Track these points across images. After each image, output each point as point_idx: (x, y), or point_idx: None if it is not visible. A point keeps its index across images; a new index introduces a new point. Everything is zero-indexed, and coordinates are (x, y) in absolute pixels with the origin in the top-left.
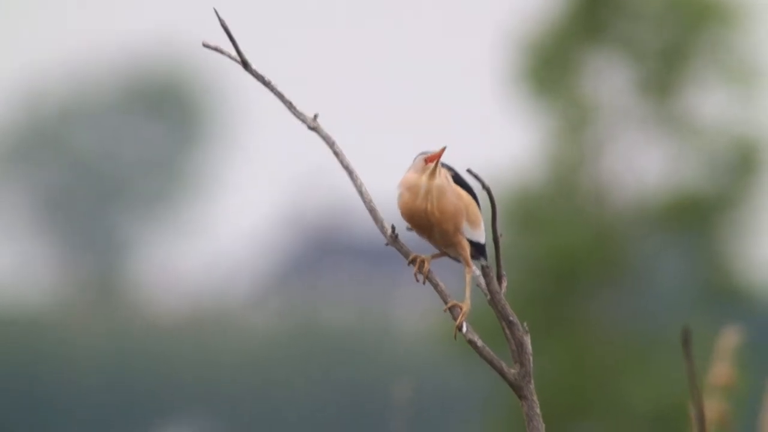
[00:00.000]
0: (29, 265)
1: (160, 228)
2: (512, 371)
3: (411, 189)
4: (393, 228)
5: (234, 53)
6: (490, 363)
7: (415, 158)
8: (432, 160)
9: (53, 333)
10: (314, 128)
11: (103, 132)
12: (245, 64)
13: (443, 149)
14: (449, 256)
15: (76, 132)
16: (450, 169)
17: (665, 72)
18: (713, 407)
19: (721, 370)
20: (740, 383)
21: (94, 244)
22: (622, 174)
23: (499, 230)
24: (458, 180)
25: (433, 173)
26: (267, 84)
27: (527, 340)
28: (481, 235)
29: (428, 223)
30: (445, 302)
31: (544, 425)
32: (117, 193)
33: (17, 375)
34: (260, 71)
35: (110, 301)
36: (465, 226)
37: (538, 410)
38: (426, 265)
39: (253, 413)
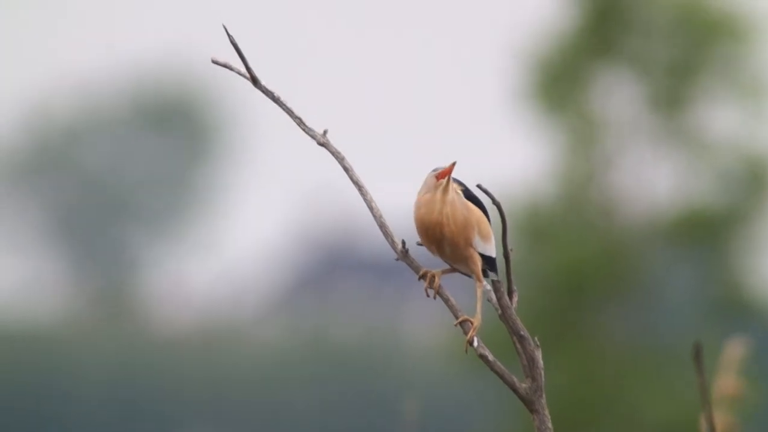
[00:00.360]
0: (39, 281)
1: (169, 243)
2: (523, 385)
3: (426, 205)
4: (403, 243)
5: (243, 70)
6: (502, 377)
7: (428, 175)
8: (443, 176)
9: (63, 348)
10: (324, 144)
11: (112, 148)
12: (254, 81)
13: (453, 164)
14: (459, 271)
15: (86, 149)
16: (460, 184)
17: (675, 87)
18: (720, 419)
19: (727, 381)
20: (750, 395)
21: (103, 260)
22: (632, 189)
23: (510, 245)
24: (468, 195)
25: (446, 189)
26: (276, 100)
27: (538, 354)
28: (492, 250)
29: (442, 237)
30: (456, 317)
31: None
32: (126, 209)
33: (27, 390)
34: (269, 87)
35: (120, 317)
36: (477, 240)
37: (549, 424)
38: (436, 279)
39: (262, 428)
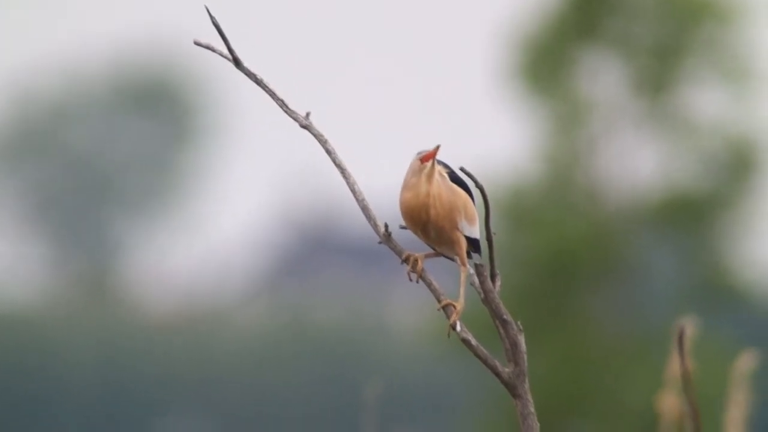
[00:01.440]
0: (21, 264)
1: (152, 226)
2: (506, 370)
3: (411, 189)
4: (386, 226)
5: (226, 51)
6: (484, 362)
7: (413, 159)
8: (427, 159)
9: (45, 331)
10: (306, 126)
11: (94, 130)
12: (237, 62)
13: (437, 148)
14: (443, 255)
15: (68, 130)
16: (446, 166)
17: (660, 70)
18: (673, 401)
19: (679, 362)
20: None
21: (86, 242)
22: (617, 171)
23: (493, 229)
24: (454, 178)
25: (431, 173)
26: (259, 82)
27: (521, 338)
28: (477, 232)
29: (427, 221)
30: (439, 301)
31: (538, 424)
32: (109, 191)
33: (9, 374)
34: (252, 69)
35: (102, 299)
36: (463, 224)
37: (532, 409)
38: (419, 263)
39: (246, 411)
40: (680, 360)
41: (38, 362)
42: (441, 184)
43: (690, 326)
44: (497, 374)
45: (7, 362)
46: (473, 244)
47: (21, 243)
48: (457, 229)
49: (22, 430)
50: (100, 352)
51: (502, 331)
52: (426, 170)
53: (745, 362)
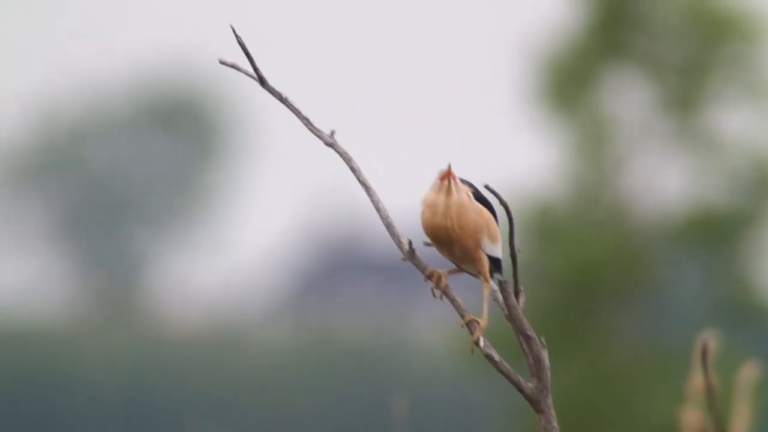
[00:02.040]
0: (46, 281)
1: (175, 243)
2: (530, 385)
3: (431, 207)
4: (410, 243)
5: (251, 70)
6: (508, 377)
7: (436, 177)
8: (444, 177)
9: (69, 348)
10: (331, 144)
11: (119, 148)
12: (262, 81)
13: (450, 167)
14: (467, 271)
15: (92, 149)
16: (470, 185)
17: (686, 88)
18: (695, 417)
19: (699, 378)
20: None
21: (110, 260)
22: (643, 190)
23: (518, 246)
24: (478, 197)
25: (449, 190)
26: (284, 100)
27: (545, 354)
28: (499, 251)
29: (449, 239)
30: (462, 317)
31: None
32: (133, 209)
33: (34, 389)
34: (277, 87)
35: (126, 317)
36: (486, 242)
37: (555, 424)
38: (443, 280)
39: (268, 428)
40: (704, 375)
41: (61, 378)
42: (465, 203)
43: (712, 340)
44: (520, 390)
45: (31, 378)
46: (494, 263)
47: (45, 260)
48: (480, 247)
49: None
50: (122, 369)
51: (525, 346)
52: (444, 188)
53: (749, 372)
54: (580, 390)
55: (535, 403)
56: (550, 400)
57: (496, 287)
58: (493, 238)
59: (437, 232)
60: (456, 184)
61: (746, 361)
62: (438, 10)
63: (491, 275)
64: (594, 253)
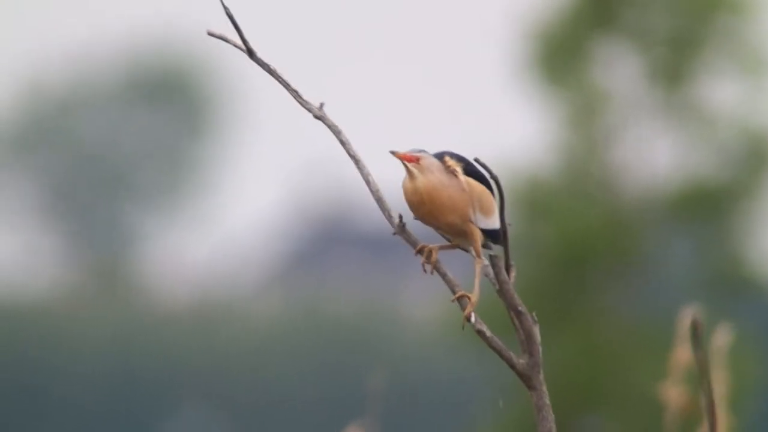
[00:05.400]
0: (35, 256)
1: (165, 218)
2: (521, 361)
3: (404, 191)
4: (400, 217)
5: (239, 41)
6: (499, 353)
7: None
8: (404, 159)
9: (59, 323)
10: (320, 117)
11: (107, 122)
12: (250, 53)
13: (396, 153)
14: (459, 246)
15: (80, 122)
16: (461, 160)
17: (676, 61)
18: (678, 392)
19: (683, 353)
20: (753, 371)
21: (99, 235)
22: (633, 163)
23: (508, 220)
24: (470, 170)
25: (410, 174)
26: (272, 72)
27: (536, 330)
28: (495, 222)
29: (428, 220)
30: (454, 292)
31: (553, 415)
32: (122, 183)
33: (23, 364)
34: (266, 59)
35: (116, 291)
36: (477, 216)
37: (547, 400)
38: (434, 254)
39: (258, 403)
40: (696, 350)
41: (50, 353)
42: (434, 182)
43: (698, 315)
44: (512, 366)
45: (20, 353)
46: (491, 235)
47: (33, 235)
48: (470, 221)
49: (34, 420)
50: (112, 344)
51: (516, 322)
52: (408, 171)
53: (723, 338)
54: (571, 365)
55: (526, 379)
56: (541, 376)
57: (487, 262)
58: (486, 211)
59: (415, 213)
60: (419, 166)
61: (745, 339)
62: None
63: (488, 248)
64: (585, 227)
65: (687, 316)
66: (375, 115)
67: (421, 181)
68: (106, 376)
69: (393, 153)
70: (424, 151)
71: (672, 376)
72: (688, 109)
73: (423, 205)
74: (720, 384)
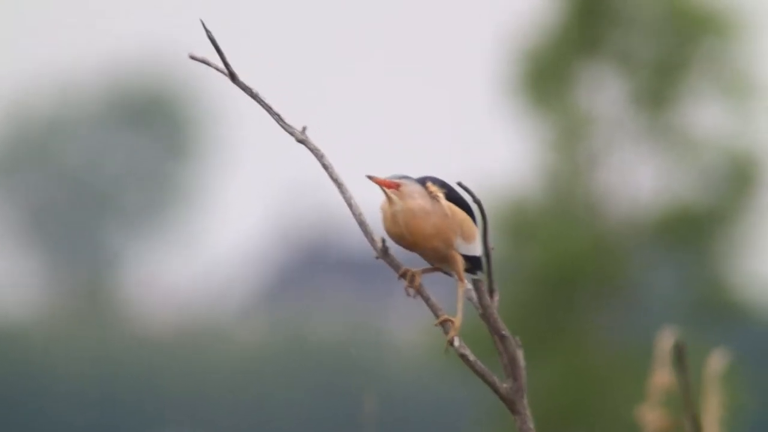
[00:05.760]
0: (15, 277)
1: (148, 240)
2: (505, 386)
3: (383, 216)
4: (383, 241)
5: (221, 65)
6: (483, 377)
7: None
8: (382, 184)
9: (40, 345)
10: (303, 141)
11: (90, 144)
12: (233, 76)
13: (374, 178)
14: (441, 270)
15: (63, 144)
16: (443, 185)
17: (661, 84)
18: (656, 415)
19: (661, 375)
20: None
21: (81, 257)
22: (618, 186)
23: (491, 244)
24: (452, 195)
25: (389, 199)
26: (254, 96)
27: (520, 354)
28: (477, 249)
29: (407, 245)
30: (437, 316)
31: None
32: (105, 206)
33: (3, 386)
34: (248, 83)
35: (98, 314)
36: (458, 242)
37: (531, 425)
38: (417, 279)
39: (241, 426)
40: (680, 373)
41: (32, 376)
42: (413, 208)
43: (681, 337)
44: (496, 390)
45: (0, 376)
46: (472, 261)
47: (15, 256)
48: (453, 248)
49: None
50: (95, 367)
51: (500, 346)
52: (387, 198)
53: (716, 363)
54: (556, 389)
55: (510, 403)
56: (525, 401)
57: (470, 286)
58: (467, 238)
59: (394, 239)
60: (398, 192)
61: (714, 352)
62: (414, 1)
63: (472, 273)
64: (569, 250)
65: (666, 338)
66: (358, 138)
67: (400, 208)
68: (88, 399)
69: (370, 178)
70: (405, 176)
71: (650, 398)
72: (672, 133)
73: (403, 238)
74: (714, 409)
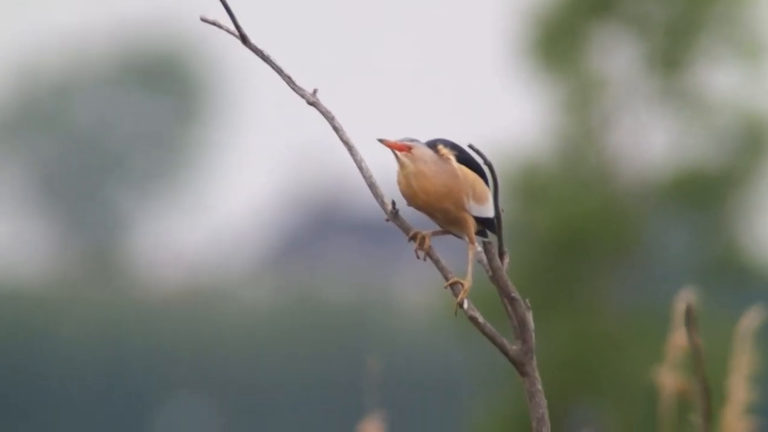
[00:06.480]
0: (26, 241)
1: (158, 203)
2: (514, 348)
3: (398, 179)
4: (393, 203)
5: (232, 27)
6: (492, 339)
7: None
8: (393, 147)
9: (50, 308)
10: (313, 103)
11: (99, 106)
12: (244, 39)
13: (385, 141)
14: (451, 233)
15: (73, 106)
16: (454, 147)
17: (673, 47)
18: (674, 377)
19: (679, 337)
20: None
21: (91, 219)
22: (629, 149)
23: (501, 206)
24: (463, 158)
25: (400, 162)
26: (266, 59)
27: (529, 316)
28: (489, 210)
29: (421, 207)
30: (446, 279)
31: (546, 401)
32: (114, 168)
33: (13, 350)
34: (259, 45)
35: (107, 276)
36: (470, 204)
37: (540, 387)
38: (427, 241)
39: (250, 388)
40: (689, 335)
41: (42, 340)
42: (423, 170)
43: (693, 299)
44: (505, 352)
45: (12, 340)
46: (485, 223)
47: (25, 221)
48: (464, 209)
49: (26, 407)
50: (104, 329)
51: (510, 308)
52: (398, 161)
53: (749, 322)
54: (565, 352)
55: (519, 365)
56: (534, 363)
57: (480, 249)
58: (479, 199)
59: (408, 201)
60: (410, 155)
61: (743, 315)
62: None
63: (484, 235)
64: (580, 213)
65: (683, 301)
66: (369, 101)
67: (412, 170)
68: (97, 362)
69: (381, 141)
70: (416, 140)
71: (667, 361)
72: (684, 96)
73: (416, 198)
74: (743, 368)
